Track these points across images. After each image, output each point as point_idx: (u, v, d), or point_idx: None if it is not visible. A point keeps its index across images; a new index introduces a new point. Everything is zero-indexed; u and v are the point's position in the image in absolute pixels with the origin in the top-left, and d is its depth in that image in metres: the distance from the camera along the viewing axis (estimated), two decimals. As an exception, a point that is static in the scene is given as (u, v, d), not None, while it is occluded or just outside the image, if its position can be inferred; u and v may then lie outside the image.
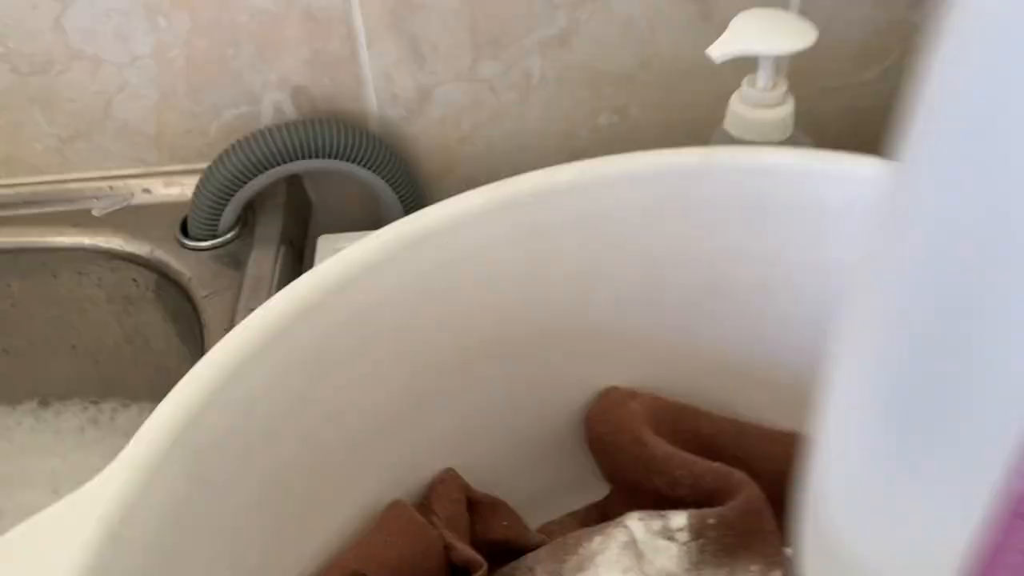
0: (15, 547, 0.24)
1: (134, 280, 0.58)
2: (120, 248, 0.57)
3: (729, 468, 0.35)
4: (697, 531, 0.34)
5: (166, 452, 0.26)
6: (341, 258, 0.31)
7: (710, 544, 0.34)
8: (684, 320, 0.38)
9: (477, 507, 0.37)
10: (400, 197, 0.55)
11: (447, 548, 0.34)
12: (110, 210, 0.58)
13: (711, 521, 0.34)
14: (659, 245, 0.36)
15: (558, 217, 0.34)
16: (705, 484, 0.36)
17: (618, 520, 0.34)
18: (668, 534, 0.34)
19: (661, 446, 0.36)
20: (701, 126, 0.48)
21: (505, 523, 0.37)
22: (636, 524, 0.34)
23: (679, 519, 0.34)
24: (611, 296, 0.37)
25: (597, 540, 0.34)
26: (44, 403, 0.67)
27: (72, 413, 0.67)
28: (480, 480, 0.38)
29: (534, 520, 0.38)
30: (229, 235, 0.54)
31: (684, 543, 0.34)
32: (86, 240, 0.57)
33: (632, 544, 0.33)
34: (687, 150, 0.35)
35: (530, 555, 0.34)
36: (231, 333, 0.30)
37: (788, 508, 0.38)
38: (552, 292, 0.36)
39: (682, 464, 0.36)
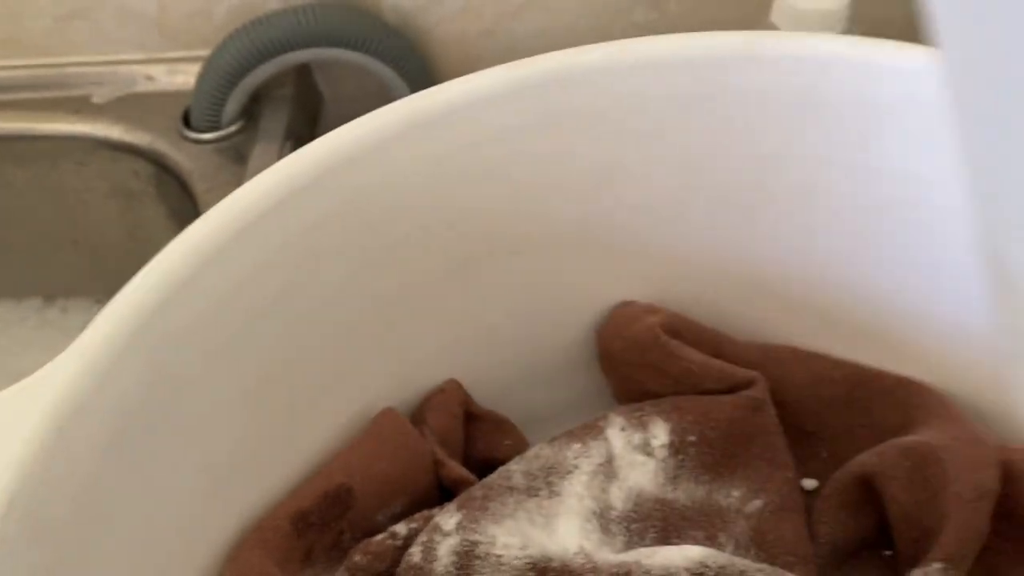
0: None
1: (135, 172, 0.55)
2: (120, 138, 0.54)
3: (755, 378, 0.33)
4: (676, 448, 0.32)
5: (128, 339, 0.24)
6: (338, 136, 0.28)
7: (689, 461, 0.32)
8: (715, 230, 0.35)
9: (480, 424, 0.34)
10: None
11: (437, 464, 0.31)
12: (111, 97, 0.55)
13: (691, 439, 0.32)
14: (692, 142, 0.33)
15: (579, 104, 0.31)
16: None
17: (600, 429, 0.32)
18: (647, 449, 0.32)
19: (696, 356, 0.33)
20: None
21: (508, 442, 0.34)
22: (617, 436, 0.32)
23: (661, 435, 0.32)
24: (635, 198, 0.34)
25: (573, 452, 0.31)
26: (49, 300, 0.65)
27: (78, 311, 0.65)
28: (484, 395, 0.35)
29: (540, 440, 0.35)
30: (233, 127, 0.51)
31: (662, 459, 0.32)
32: (86, 128, 0.54)
33: (607, 464, 0.31)
34: (728, 33, 0.31)
35: (504, 469, 0.31)
36: (207, 213, 0.27)
37: (814, 437, 0.35)
38: (569, 189, 0.33)
39: (720, 374, 0.33)
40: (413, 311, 0.32)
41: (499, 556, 0.28)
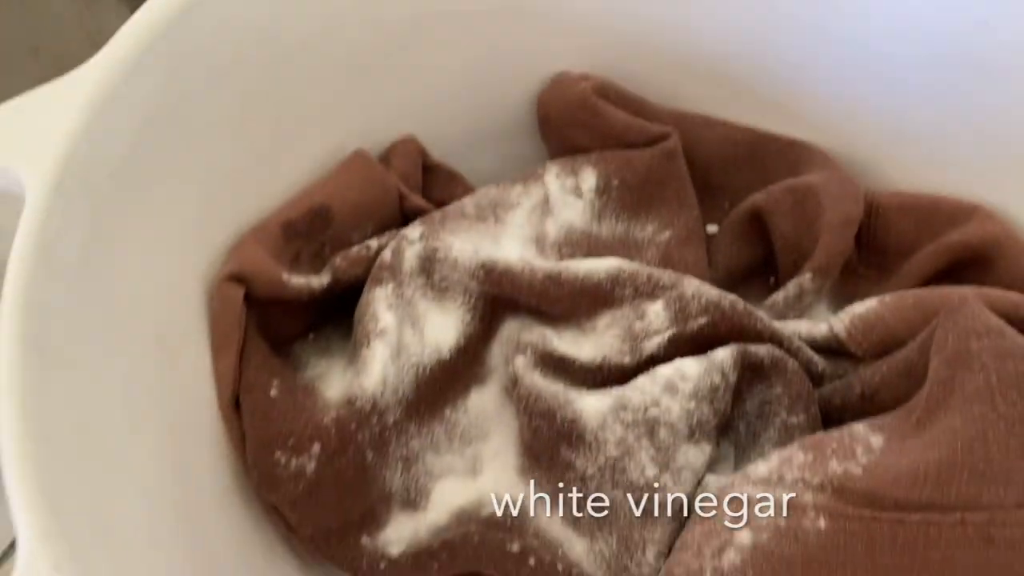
0: (3, 120, 0.26)
1: (95, -27, 0.57)
2: (79, -63, 0.56)
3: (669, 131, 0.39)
4: (602, 191, 0.38)
5: (144, 50, 0.28)
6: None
7: (612, 202, 0.38)
8: (641, 8, 0.40)
9: (435, 173, 0.40)
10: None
11: (401, 197, 0.37)
12: (67, -102, 0.56)
13: (615, 183, 0.38)
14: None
15: None
16: None
17: (539, 175, 0.38)
18: (578, 192, 0.38)
19: (620, 115, 0.39)
20: None
21: (460, 191, 0.40)
22: (553, 181, 0.38)
23: (590, 180, 0.38)
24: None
25: (516, 192, 0.37)
26: (9, 111, 0.67)
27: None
28: (438, 154, 0.40)
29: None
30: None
31: (590, 200, 0.38)
32: (43, -72, 0.56)
33: (544, 203, 0.37)
34: None
35: (458, 202, 0.37)
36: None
37: (718, 190, 0.42)
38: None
39: (640, 131, 0.39)
40: (374, 64, 0.36)
41: (456, 258, 0.33)
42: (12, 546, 0.35)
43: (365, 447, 0.31)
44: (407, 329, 0.33)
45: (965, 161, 0.38)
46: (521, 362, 0.32)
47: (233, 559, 0.28)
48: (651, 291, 0.34)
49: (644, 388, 0.31)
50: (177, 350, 0.29)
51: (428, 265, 0.34)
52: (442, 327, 0.34)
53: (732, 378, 0.32)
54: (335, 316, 0.36)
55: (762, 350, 0.32)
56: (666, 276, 0.34)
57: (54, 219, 0.24)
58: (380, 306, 0.32)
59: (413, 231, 0.34)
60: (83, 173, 0.26)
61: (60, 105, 0.26)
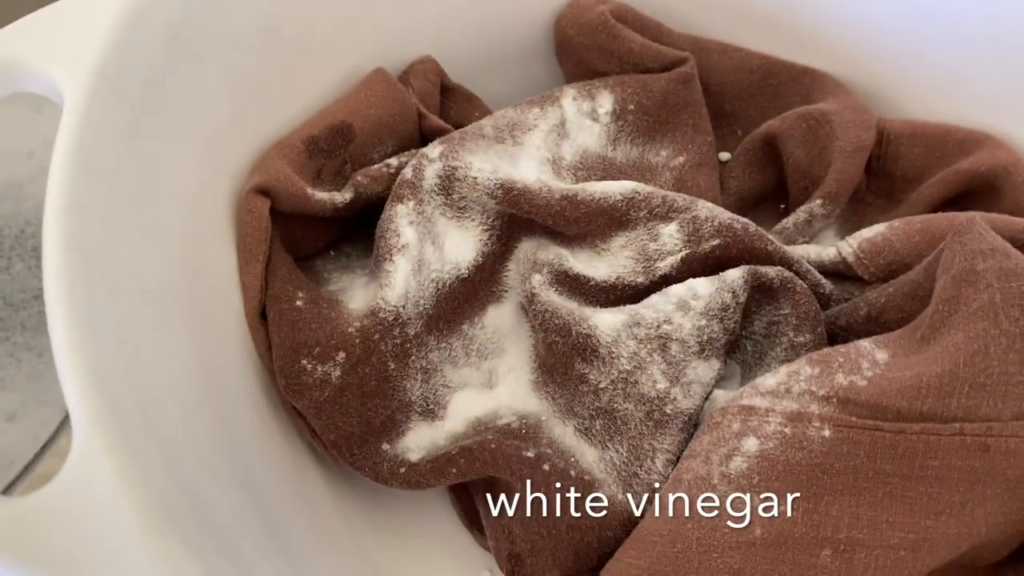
0: (41, 27, 0.27)
1: None
2: None
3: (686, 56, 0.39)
4: (618, 115, 0.38)
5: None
6: None
7: (627, 126, 0.38)
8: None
9: (453, 95, 0.40)
10: None
11: (420, 116, 0.37)
12: None
13: (631, 107, 0.38)
14: None
15: None
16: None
17: (556, 98, 0.38)
18: (594, 116, 0.38)
19: (637, 39, 0.39)
20: None
21: (477, 114, 0.40)
22: (569, 104, 0.38)
23: (606, 104, 0.38)
24: None
25: (533, 114, 0.38)
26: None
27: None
28: (456, 74, 0.41)
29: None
30: None
31: (606, 124, 0.38)
32: None
33: (560, 126, 0.38)
34: None
35: (476, 123, 0.37)
36: None
37: (731, 117, 0.42)
38: None
39: (657, 55, 0.39)
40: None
41: (475, 177, 0.34)
42: (65, 421, 0.36)
43: (387, 357, 0.32)
44: (427, 245, 0.33)
45: (978, 90, 0.38)
46: (537, 280, 0.33)
47: (265, 458, 0.29)
48: (665, 213, 0.34)
49: (657, 305, 0.32)
50: (206, 258, 0.30)
51: (447, 184, 0.34)
52: (461, 245, 0.34)
53: (742, 297, 0.33)
54: (354, 234, 0.36)
55: (772, 271, 0.33)
56: (680, 199, 0.35)
57: (93, 123, 0.25)
58: (401, 222, 0.33)
59: (433, 150, 0.35)
60: (118, 80, 0.26)
61: (94, 13, 0.26)
